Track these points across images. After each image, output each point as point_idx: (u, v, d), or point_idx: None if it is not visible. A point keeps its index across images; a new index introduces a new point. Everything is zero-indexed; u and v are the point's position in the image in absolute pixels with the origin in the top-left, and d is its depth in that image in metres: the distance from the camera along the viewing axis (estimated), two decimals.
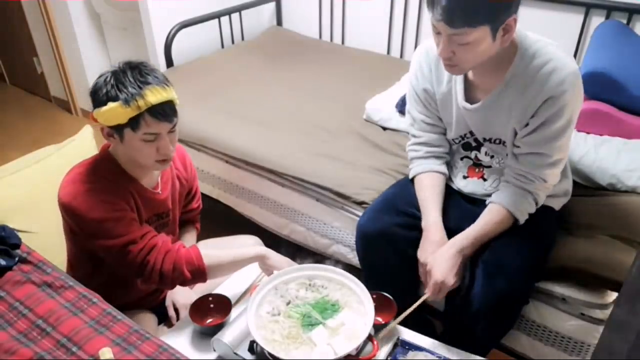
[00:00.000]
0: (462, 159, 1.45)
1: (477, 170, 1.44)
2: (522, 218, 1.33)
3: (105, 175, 1.25)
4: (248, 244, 1.63)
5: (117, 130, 1.18)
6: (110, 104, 1.14)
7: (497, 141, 1.36)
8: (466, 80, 1.34)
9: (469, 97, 1.34)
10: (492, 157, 1.39)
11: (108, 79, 1.16)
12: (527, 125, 1.27)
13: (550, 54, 1.22)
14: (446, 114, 1.43)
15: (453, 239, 1.32)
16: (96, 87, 1.17)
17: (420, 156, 1.49)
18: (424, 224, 1.39)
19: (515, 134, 1.31)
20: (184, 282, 1.29)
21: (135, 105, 1.13)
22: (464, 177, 1.47)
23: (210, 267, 1.29)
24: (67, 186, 1.23)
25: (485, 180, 1.44)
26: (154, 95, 1.14)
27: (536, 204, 1.34)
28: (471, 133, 1.41)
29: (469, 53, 1.17)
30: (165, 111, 1.17)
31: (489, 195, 1.43)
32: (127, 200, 1.26)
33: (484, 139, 1.38)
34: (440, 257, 1.29)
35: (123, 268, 1.27)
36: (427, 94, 1.43)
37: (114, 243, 1.22)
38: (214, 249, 1.36)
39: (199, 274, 1.28)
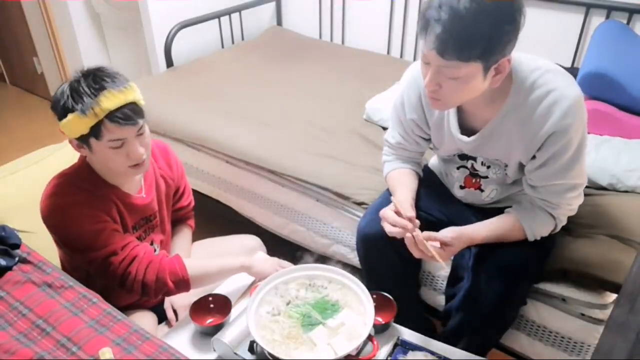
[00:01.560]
0: (458, 168, 1.43)
1: (474, 180, 1.41)
2: (532, 238, 1.29)
3: (84, 187, 1.23)
4: (248, 245, 1.63)
5: (83, 141, 1.16)
6: (70, 116, 1.12)
7: (495, 159, 1.33)
8: (459, 111, 1.30)
9: (464, 128, 1.30)
10: (488, 167, 1.36)
11: (65, 89, 1.13)
12: (534, 157, 1.22)
13: (550, 83, 1.15)
14: (437, 138, 1.40)
15: (471, 231, 1.28)
16: (55, 99, 1.15)
17: (390, 160, 1.51)
18: (393, 198, 1.36)
19: (522, 164, 1.28)
20: (168, 293, 1.29)
21: (92, 114, 1.10)
22: (461, 187, 1.45)
23: (194, 278, 1.29)
24: (45, 200, 1.22)
25: (482, 191, 1.41)
26: (109, 101, 1.11)
27: (555, 228, 1.30)
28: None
29: (456, 88, 1.11)
30: (126, 115, 1.13)
31: (489, 204, 1.43)
32: (108, 211, 1.24)
33: (480, 155, 1.36)
34: (458, 244, 1.26)
35: (105, 280, 1.26)
36: (414, 122, 1.40)
37: (95, 256, 1.21)
38: (200, 258, 1.34)
39: (183, 284, 1.28)
